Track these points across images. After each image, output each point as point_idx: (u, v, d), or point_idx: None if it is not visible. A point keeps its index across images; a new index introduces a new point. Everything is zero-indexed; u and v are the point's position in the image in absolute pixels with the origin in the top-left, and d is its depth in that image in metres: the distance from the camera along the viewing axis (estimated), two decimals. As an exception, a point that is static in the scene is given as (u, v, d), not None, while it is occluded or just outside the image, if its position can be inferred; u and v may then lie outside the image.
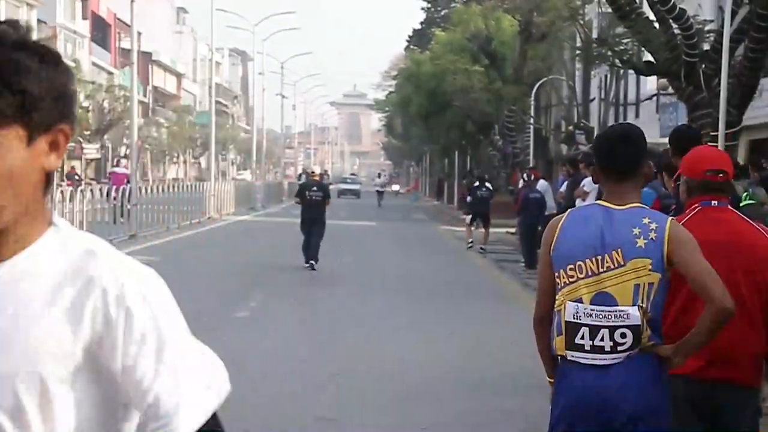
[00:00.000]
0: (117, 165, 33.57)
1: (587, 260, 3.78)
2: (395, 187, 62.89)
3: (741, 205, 5.74)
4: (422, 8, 67.96)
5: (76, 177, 40.40)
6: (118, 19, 76.71)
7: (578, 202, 15.87)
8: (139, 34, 45.79)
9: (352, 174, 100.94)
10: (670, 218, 3.87)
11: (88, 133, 61.13)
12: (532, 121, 36.70)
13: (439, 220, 41.05)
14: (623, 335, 3.72)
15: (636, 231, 3.75)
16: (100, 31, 75.97)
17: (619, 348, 3.72)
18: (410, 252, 23.85)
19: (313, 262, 18.34)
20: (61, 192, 19.40)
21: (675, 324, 4.07)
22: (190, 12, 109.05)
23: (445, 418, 7.75)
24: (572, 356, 3.78)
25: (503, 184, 41.45)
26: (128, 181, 26.17)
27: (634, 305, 3.71)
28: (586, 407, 3.78)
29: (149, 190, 27.18)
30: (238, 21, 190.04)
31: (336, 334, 11.39)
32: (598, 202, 3.98)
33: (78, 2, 70.26)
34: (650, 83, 31.24)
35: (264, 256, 21.34)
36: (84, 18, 71.19)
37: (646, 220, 3.78)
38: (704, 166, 4.21)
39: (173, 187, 31.22)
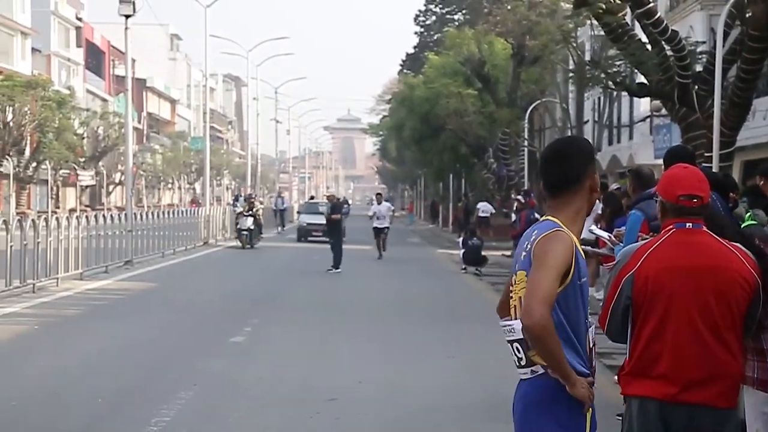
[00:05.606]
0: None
1: (512, 277, 3.87)
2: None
3: (743, 225, 5.68)
4: (415, 33, 68.27)
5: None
6: (112, 46, 76.89)
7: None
8: (134, 61, 45.78)
9: (313, 197, 59.10)
10: (550, 231, 3.69)
11: (83, 160, 61.14)
12: (526, 143, 36.76)
13: (435, 243, 40.99)
14: (518, 349, 3.78)
15: (526, 244, 3.79)
16: (95, 59, 76.16)
17: (521, 362, 3.78)
18: (406, 276, 23.81)
19: (333, 267, 22.96)
20: (56, 219, 19.35)
21: (645, 350, 4.11)
22: (184, 39, 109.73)
23: (442, 442, 7.72)
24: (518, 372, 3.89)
25: (498, 207, 41.46)
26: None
27: (517, 318, 3.75)
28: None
29: (144, 216, 27.15)
30: (232, 47, 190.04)
31: (331, 359, 11.35)
32: None
33: (72, 30, 70.44)
34: (644, 105, 31.36)
35: (259, 280, 21.31)
36: (78, 46, 71.39)
37: (534, 233, 3.78)
38: (678, 190, 4.20)
39: (168, 213, 31.14)
